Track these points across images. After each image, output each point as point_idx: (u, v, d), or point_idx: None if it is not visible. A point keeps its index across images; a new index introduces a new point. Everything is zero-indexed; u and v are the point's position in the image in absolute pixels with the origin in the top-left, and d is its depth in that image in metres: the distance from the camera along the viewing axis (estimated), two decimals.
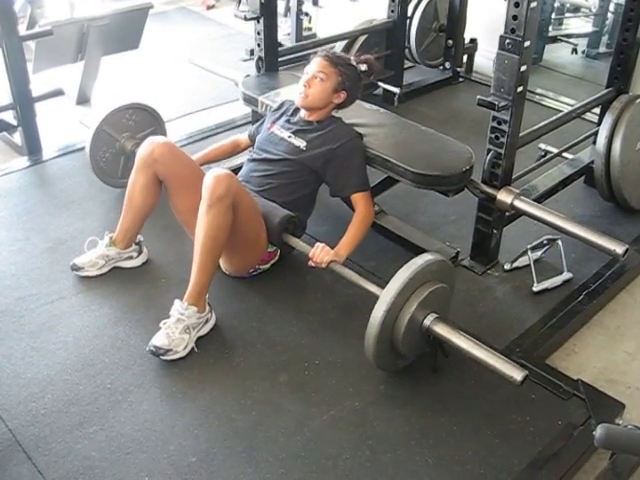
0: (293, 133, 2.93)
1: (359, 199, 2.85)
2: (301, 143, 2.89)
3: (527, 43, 2.58)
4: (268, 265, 2.90)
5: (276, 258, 2.91)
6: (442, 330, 2.35)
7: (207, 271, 2.56)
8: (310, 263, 2.64)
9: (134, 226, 2.90)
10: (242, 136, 3.28)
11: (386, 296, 2.30)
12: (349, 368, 2.52)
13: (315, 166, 2.86)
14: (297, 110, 3.02)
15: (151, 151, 2.78)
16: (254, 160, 2.98)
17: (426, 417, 2.35)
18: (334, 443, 2.24)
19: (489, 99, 2.70)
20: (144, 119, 3.48)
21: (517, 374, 2.17)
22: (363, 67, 2.98)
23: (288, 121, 3.01)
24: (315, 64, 2.92)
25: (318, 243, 2.64)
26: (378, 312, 2.30)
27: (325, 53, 2.94)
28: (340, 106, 2.98)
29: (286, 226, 2.76)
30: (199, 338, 2.57)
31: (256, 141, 3.08)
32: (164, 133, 3.56)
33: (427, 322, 2.37)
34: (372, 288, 2.49)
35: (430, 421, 2.34)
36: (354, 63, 2.96)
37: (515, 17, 2.54)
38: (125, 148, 3.40)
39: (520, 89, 2.67)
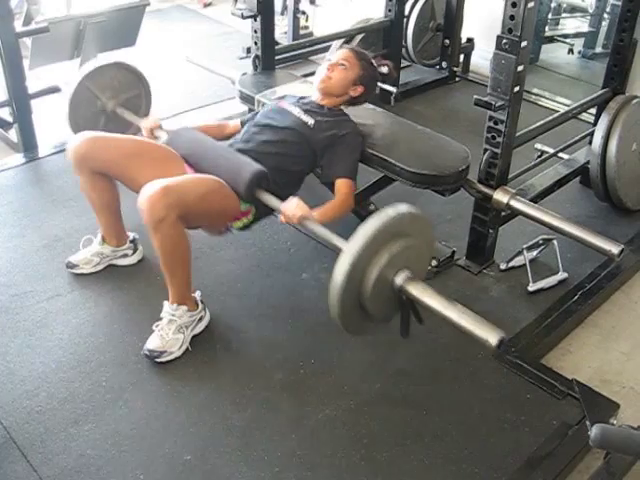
0: (303, 111, 2.90)
1: (342, 185, 2.78)
2: (309, 120, 2.85)
3: (524, 43, 2.58)
4: (241, 224, 2.72)
5: (250, 217, 2.72)
6: (414, 289, 2.14)
7: (179, 279, 2.51)
8: (281, 218, 2.53)
9: (112, 223, 2.86)
10: (232, 121, 3.19)
11: (352, 247, 2.06)
12: (344, 367, 2.52)
13: (317, 147, 2.82)
14: (304, 97, 3.02)
15: (76, 151, 2.67)
16: (256, 125, 2.88)
17: (421, 416, 2.35)
18: (329, 442, 2.25)
19: (486, 99, 2.70)
20: (129, 80, 3.39)
21: (493, 337, 1.99)
22: (384, 69, 3.03)
23: (299, 101, 2.98)
24: (340, 53, 2.97)
25: (292, 197, 2.54)
26: (343, 265, 2.05)
27: (352, 46, 3.01)
28: (354, 101, 2.99)
29: (259, 181, 2.60)
30: (194, 336, 2.57)
31: (258, 114, 3.00)
32: (148, 100, 3.48)
33: (399, 280, 2.15)
34: (340, 244, 2.28)
35: (425, 420, 2.34)
36: (375, 64, 3.00)
37: (512, 17, 2.55)
38: (106, 107, 3.30)
39: (517, 89, 2.67)
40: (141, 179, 2.52)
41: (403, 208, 2.17)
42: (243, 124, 3.06)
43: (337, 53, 3.01)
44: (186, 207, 2.40)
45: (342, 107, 2.99)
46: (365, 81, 2.95)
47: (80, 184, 2.77)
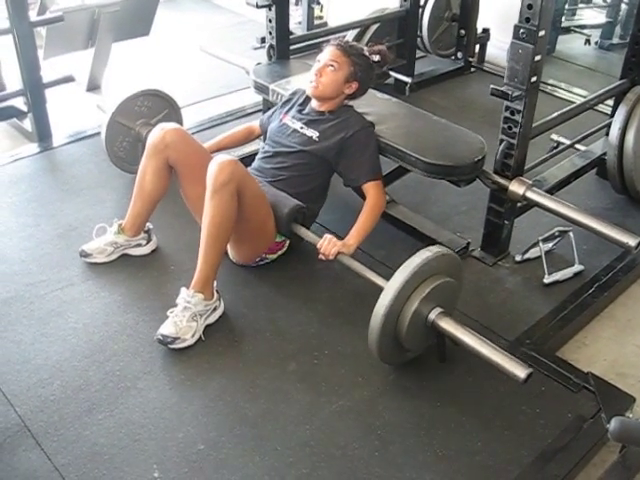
0: (305, 124, 2.92)
1: (370, 188, 2.83)
2: (313, 134, 2.87)
3: (542, 32, 2.55)
4: (275, 255, 2.88)
5: (284, 249, 2.89)
6: (447, 325, 2.33)
7: (212, 259, 2.55)
8: (320, 256, 2.63)
9: (144, 213, 2.89)
10: (255, 123, 3.25)
11: (390, 289, 2.29)
12: (358, 358, 2.51)
13: (328, 156, 2.84)
14: (308, 100, 3.00)
15: (162, 137, 2.77)
16: (267, 152, 2.96)
17: (435, 408, 2.34)
18: (343, 433, 2.24)
19: (502, 89, 2.67)
20: (156, 104, 3.48)
21: (520, 372, 2.15)
22: (376, 58, 2.95)
23: (300, 112, 2.99)
24: (327, 53, 2.88)
25: (326, 235, 2.63)
26: (381, 305, 2.28)
27: (338, 42, 2.90)
28: (351, 96, 2.96)
29: (295, 216, 2.75)
30: (208, 326, 2.57)
31: (268, 131, 3.06)
32: (179, 115, 3.57)
33: (432, 316, 2.35)
34: (378, 281, 2.47)
35: (439, 412, 2.33)
36: (367, 53, 2.93)
37: (530, 6, 2.52)
38: (141, 135, 3.39)
39: (534, 79, 2.65)
40: (197, 188, 2.70)
41: (436, 250, 2.36)
42: (262, 127, 3.16)
43: (324, 53, 2.91)
44: (245, 189, 2.55)
45: (343, 104, 2.96)
46: (358, 76, 2.89)
47: (143, 168, 2.82)
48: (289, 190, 2.81)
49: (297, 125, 2.93)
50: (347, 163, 2.85)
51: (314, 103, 2.96)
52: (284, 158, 2.89)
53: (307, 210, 2.80)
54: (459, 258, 2.53)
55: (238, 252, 2.84)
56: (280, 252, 2.89)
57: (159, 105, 3.49)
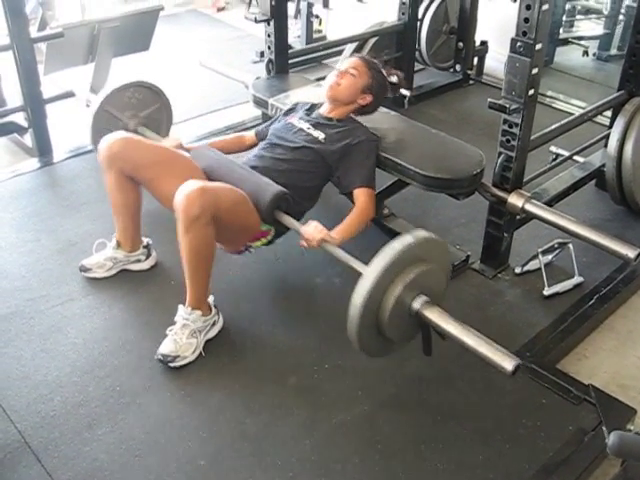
0: (312, 125, 2.91)
1: (361, 194, 2.78)
2: (320, 135, 2.86)
3: (539, 46, 2.56)
4: (259, 243, 2.73)
5: (269, 237, 2.74)
6: (432, 314, 2.21)
7: (200, 282, 2.52)
8: (302, 243, 2.54)
9: (129, 226, 2.87)
10: (247, 133, 3.22)
11: (370, 274, 2.14)
12: (358, 372, 2.51)
13: (331, 160, 2.82)
14: (314, 107, 3.03)
15: (109, 149, 2.70)
16: (269, 143, 2.91)
17: (436, 421, 2.34)
18: (343, 447, 2.24)
19: (500, 102, 2.69)
20: (147, 97, 3.43)
21: (508, 363, 2.05)
22: (393, 78, 3.03)
23: (307, 115, 3.00)
24: (350, 62, 2.97)
25: (311, 221, 2.55)
26: (360, 292, 2.14)
27: (362, 55, 3.02)
28: (363, 110, 2.98)
29: (278, 203, 2.63)
30: (208, 341, 2.57)
31: (270, 131, 3.01)
32: (169, 111, 3.52)
33: (416, 305, 2.22)
34: (360, 268, 2.31)
35: (440, 426, 2.33)
36: (385, 73, 3.00)
37: (527, 20, 2.53)
38: (128, 127, 3.33)
39: (531, 92, 2.66)
40: (167, 187, 2.59)
41: (422, 234, 2.24)
42: (258, 135, 3.10)
43: (347, 61, 3.00)
44: (219, 210, 2.43)
45: (352, 116, 2.98)
46: (374, 90, 2.94)
47: (107, 184, 2.78)
48: (283, 181, 2.70)
49: (304, 125, 2.92)
50: (345, 167, 2.83)
51: (323, 109, 2.97)
52: (286, 151, 2.84)
53: (291, 197, 2.68)
54: (446, 244, 2.42)
55: (222, 245, 2.75)
56: (264, 240, 2.74)
57: (150, 99, 3.45)
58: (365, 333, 2.23)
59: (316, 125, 2.91)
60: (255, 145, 3.11)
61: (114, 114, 3.34)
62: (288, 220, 2.64)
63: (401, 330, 2.30)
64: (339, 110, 2.94)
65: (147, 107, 3.44)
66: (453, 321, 2.21)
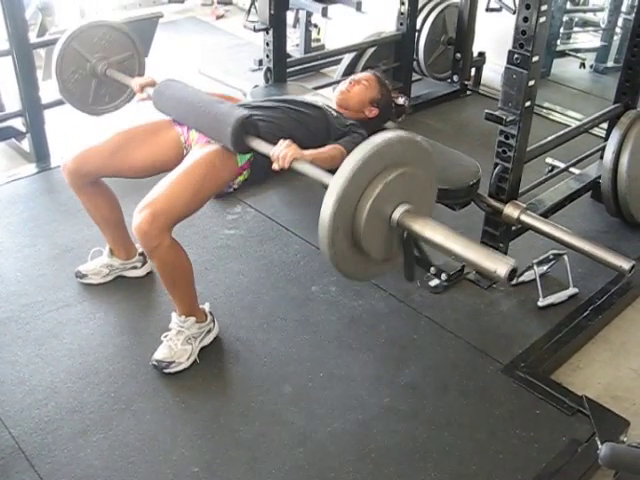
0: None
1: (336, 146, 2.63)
2: (333, 112, 2.82)
3: (535, 58, 2.58)
4: (241, 178, 2.59)
5: (249, 170, 2.59)
6: (414, 223, 1.98)
7: (183, 294, 2.52)
8: (273, 165, 2.31)
9: (117, 236, 2.87)
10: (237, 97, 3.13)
11: (338, 181, 1.90)
12: (353, 381, 2.51)
13: (333, 134, 2.72)
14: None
15: (67, 175, 2.66)
16: (280, 96, 2.83)
17: (430, 431, 2.34)
18: (337, 456, 2.24)
19: (497, 113, 2.70)
20: (120, 42, 3.22)
21: (502, 267, 1.85)
22: (400, 100, 3.06)
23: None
24: (364, 74, 3.03)
25: (282, 140, 2.33)
26: (329, 200, 1.90)
27: (375, 72, 3.06)
28: (367, 123, 2.93)
29: (244, 129, 2.41)
30: (202, 348, 2.57)
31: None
32: (142, 65, 3.34)
33: (396, 215, 2.00)
34: (328, 180, 2.04)
35: (434, 435, 2.33)
36: (394, 95, 3.05)
37: (524, 32, 2.55)
38: (95, 70, 3.14)
39: (528, 104, 2.68)
40: (137, 164, 2.62)
41: (395, 133, 2.01)
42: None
43: (361, 74, 3.06)
44: (178, 217, 2.38)
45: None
46: (381, 105, 2.96)
47: (82, 203, 2.78)
48: (284, 127, 2.57)
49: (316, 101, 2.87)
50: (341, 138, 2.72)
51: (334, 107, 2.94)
52: (299, 104, 2.76)
53: (261, 128, 2.50)
54: (426, 145, 2.14)
55: None
56: (245, 174, 2.59)
57: (122, 45, 3.23)
58: (340, 248, 1.99)
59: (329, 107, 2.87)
60: None
61: (82, 53, 3.11)
62: (257, 144, 2.40)
63: (381, 244, 2.05)
64: (348, 114, 2.91)
65: (118, 53, 3.22)
66: (439, 226, 1.99)
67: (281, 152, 2.28)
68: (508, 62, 2.63)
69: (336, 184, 1.90)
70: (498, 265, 1.86)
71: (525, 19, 2.53)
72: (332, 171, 2.18)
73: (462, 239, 1.97)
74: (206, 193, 2.48)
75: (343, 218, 1.93)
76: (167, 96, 2.68)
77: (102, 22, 3.18)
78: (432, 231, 1.97)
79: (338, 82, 3.25)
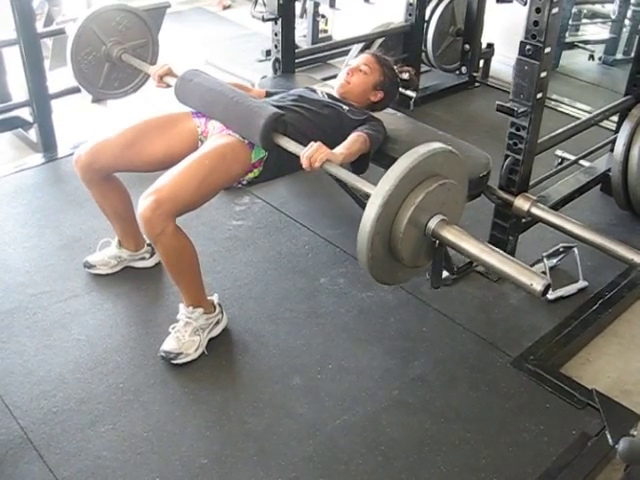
0: (334, 99, 2.85)
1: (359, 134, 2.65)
2: (343, 106, 2.80)
3: (548, 49, 2.56)
4: (252, 175, 2.59)
5: (260, 167, 2.58)
6: (449, 233, 2.06)
7: (189, 283, 2.50)
8: (303, 164, 2.30)
9: (126, 228, 2.86)
10: (253, 87, 3.10)
11: (381, 190, 1.96)
12: (362, 373, 2.51)
13: (351, 124, 2.72)
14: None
15: (79, 169, 2.66)
16: (294, 94, 2.80)
17: (439, 424, 2.33)
18: (346, 448, 2.23)
19: (508, 105, 2.68)
20: (137, 28, 3.24)
21: (537, 283, 1.92)
22: (405, 75, 3.02)
23: (327, 94, 2.91)
24: (361, 58, 2.95)
25: (313, 142, 2.33)
26: (372, 208, 1.97)
27: (373, 52, 2.97)
28: (374, 107, 2.95)
29: (275, 126, 2.42)
30: (211, 340, 2.57)
31: (287, 91, 2.91)
32: (155, 52, 3.37)
33: (432, 224, 2.07)
34: (368, 188, 2.14)
35: (443, 428, 2.32)
36: (396, 69, 2.99)
37: (536, 23, 2.53)
38: (110, 54, 3.16)
39: (539, 95, 2.65)
40: (152, 158, 2.59)
41: (437, 145, 2.09)
42: (269, 95, 2.94)
43: (358, 58, 2.99)
44: (184, 207, 2.37)
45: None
46: (385, 86, 2.93)
47: (92, 196, 2.77)
48: (301, 127, 2.57)
49: (326, 98, 2.84)
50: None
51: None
52: (313, 103, 2.73)
53: (289, 127, 2.50)
54: (461, 157, 2.20)
55: None
56: (256, 171, 2.58)
57: (139, 31, 3.25)
58: (377, 256, 2.06)
59: (337, 100, 2.86)
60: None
61: (98, 35, 3.12)
62: (287, 143, 2.42)
63: (415, 252, 2.12)
64: (353, 104, 2.89)
65: (133, 39, 3.23)
66: (473, 240, 2.05)
67: (313, 153, 2.28)
68: (520, 53, 2.61)
69: (381, 190, 1.97)
70: (534, 280, 1.94)
71: (537, 10, 2.51)
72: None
73: (496, 252, 2.04)
74: (214, 184, 2.46)
75: (384, 223, 2.00)
76: (194, 84, 2.66)
77: (123, 6, 3.18)
78: (467, 243, 2.05)
79: None
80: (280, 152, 2.46)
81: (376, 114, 2.93)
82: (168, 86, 2.81)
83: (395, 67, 3.01)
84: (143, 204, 2.30)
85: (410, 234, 2.05)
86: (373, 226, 1.97)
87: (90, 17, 3.08)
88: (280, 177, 2.75)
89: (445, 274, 2.97)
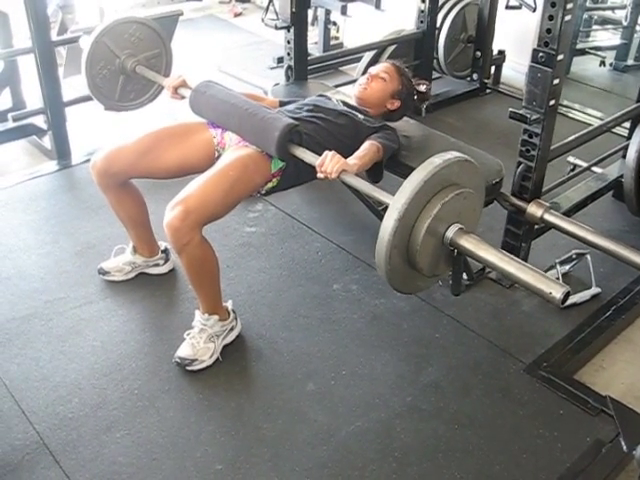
0: (349, 107, 2.87)
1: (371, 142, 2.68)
2: (358, 114, 2.83)
3: (560, 56, 2.57)
4: (270, 185, 2.61)
5: (279, 177, 2.61)
6: (467, 242, 2.05)
7: (208, 291, 2.52)
8: (319, 174, 2.33)
9: (142, 234, 2.88)
10: (266, 96, 3.14)
11: (399, 200, 1.97)
12: (376, 379, 2.51)
13: (365, 132, 2.74)
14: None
15: (95, 174, 2.66)
16: (308, 104, 2.82)
17: (453, 430, 2.34)
18: (360, 454, 2.24)
19: (521, 112, 2.69)
20: (149, 39, 3.24)
21: (557, 291, 1.92)
22: (422, 87, 3.06)
23: (341, 102, 2.93)
24: (382, 66, 2.99)
25: (327, 151, 2.34)
26: (389, 219, 1.97)
27: (393, 61, 3.03)
28: (390, 115, 2.97)
29: (290, 137, 2.44)
30: (225, 346, 2.58)
31: (302, 99, 2.94)
32: (169, 62, 3.37)
33: (450, 233, 2.08)
34: (385, 198, 2.16)
35: (457, 434, 2.32)
36: (414, 82, 3.03)
37: (549, 30, 2.53)
38: (125, 67, 3.16)
39: (552, 102, 2.66)
40: (167, 166, 2.62)
41: (452, 155, 2.08)
42: (282, 104, 2.95)
43: (378, 66, 3.03)
44: (210, 217, 2.40)
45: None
46: (403, 96, 2.96)
47: (108, 202, 2.79)
48: (316, 137, 2.60)
49: (340, 106, 2.86)
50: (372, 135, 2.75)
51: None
52: (328, 112, 2.75)
53: (304, 137, 2.52)
54: (477, 166, 2.19)
55: None
56: (275, 181, 2.61)
57: (152, 42, 3.26)
58: (395, 265, 2.06)
59: (353, 108, 2.88)
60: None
61: (112, 49, 3.12)
62: (302, 153, 2.44)
63: (433, 261, 2.12)
64: (369, 111, 2.92)
65: (147, 50, 3.23)
66: (491, 248, 2.05)
67: (329, 166, 2.29)
68: (532, 60, 2.61)
69: (397, 203, 1.97)
70: (553, 288, 1.93)
71: (550, 17, 2.51)
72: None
73: (515, 260, 2.04)
74: (238, 194, 2.49)
75: (401, 236, 2.01)
76: (208, 96, 2.68)
77: (134, 18, 3.19)
78: (485, 252, 2.04)
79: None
80: (297, 162, 2.48)
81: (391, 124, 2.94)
82: (182, 98, 2.84)
83: (413, 79, 3.04)
84: (171, 214, 2.32)
85: (428, 244, 2.06)
86: (390, 240, 1.98)
87: (103, 32, 3.09)
88: (297, 186, 2.76)
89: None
